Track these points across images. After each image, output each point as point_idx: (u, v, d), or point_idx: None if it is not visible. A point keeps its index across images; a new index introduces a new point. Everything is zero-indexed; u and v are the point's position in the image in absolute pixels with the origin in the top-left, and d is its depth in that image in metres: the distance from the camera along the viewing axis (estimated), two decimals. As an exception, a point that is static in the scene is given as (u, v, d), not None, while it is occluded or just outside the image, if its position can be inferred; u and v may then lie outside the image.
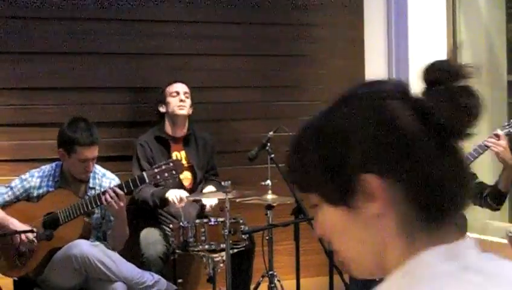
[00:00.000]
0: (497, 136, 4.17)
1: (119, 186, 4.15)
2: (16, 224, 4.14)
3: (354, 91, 1.07)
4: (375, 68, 5.57)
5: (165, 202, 4.56)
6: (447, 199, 1.01)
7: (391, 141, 1.00)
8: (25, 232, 4.08)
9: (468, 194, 1.04)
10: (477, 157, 4.24)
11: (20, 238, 4.11)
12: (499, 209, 4.47)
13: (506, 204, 4.90)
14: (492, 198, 4.34)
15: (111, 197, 4.07)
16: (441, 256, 0.99)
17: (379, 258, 1.04)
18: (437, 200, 1.01)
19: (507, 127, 4.23)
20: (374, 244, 1.04)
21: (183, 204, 4.45)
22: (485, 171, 4.80)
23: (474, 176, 4.46)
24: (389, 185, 1.00)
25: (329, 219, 1.07)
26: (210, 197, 4.61)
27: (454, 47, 5.56)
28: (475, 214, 5.00)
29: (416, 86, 1.06)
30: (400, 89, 1.05)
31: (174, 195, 4.48)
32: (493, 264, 1.01)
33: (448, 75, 1.02)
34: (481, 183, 4.44)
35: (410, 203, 1.01)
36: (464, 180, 1.03)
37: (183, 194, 4.50)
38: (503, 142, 4.16)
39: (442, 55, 5.41)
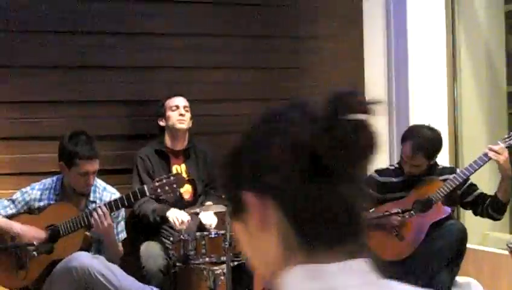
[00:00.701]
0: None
1: (120, 199, 4.16)
2: (17, 227, 4.15)
3: (263, 114, 1.10)
4: (375, 83, 5.58)
5: (165, 219, 4.54)
6: (320, 227, 1.00)
7: (271, 164, 1.01)
8: (25, 245, 4.10)
9: (352, 228, 1.02)
10: (477, 168, 4.25)
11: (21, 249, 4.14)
12: (500, 219, 4.51)
13: (506, 214, 4.90)
14: (493, 208, 4.37)
15: (98, 216, 4.07)
16: (303, 274, 0.98)
17: (272, 272, 1.05)
18: (307, 225, 1.00)
19: (507, 139, 4.24)
20: (262, 258, 1.06)
21: (184, 226, 4.42)
22: (486, 181, 4.81)
23: (475, 187, 4.48)
24: (268, 203, 1.02)
25: (235, 230, 1.11)
26: (210, 210, 4.61)
27: (453, 59, 5.57)
28: (475, 225, 4.99)
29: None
30: (307, 113, 1.03)
31: (175, 217, 4.46)
32: None
33: (345, 108, 0.99)
34: (482, 193, 4.47)
35: (288, 222, 1.01)
36: (341, 214, 1.00)
37: (185, 217, 4.45)
38: (505, 153, 4.19)
39: (441, 68, 5.42)
